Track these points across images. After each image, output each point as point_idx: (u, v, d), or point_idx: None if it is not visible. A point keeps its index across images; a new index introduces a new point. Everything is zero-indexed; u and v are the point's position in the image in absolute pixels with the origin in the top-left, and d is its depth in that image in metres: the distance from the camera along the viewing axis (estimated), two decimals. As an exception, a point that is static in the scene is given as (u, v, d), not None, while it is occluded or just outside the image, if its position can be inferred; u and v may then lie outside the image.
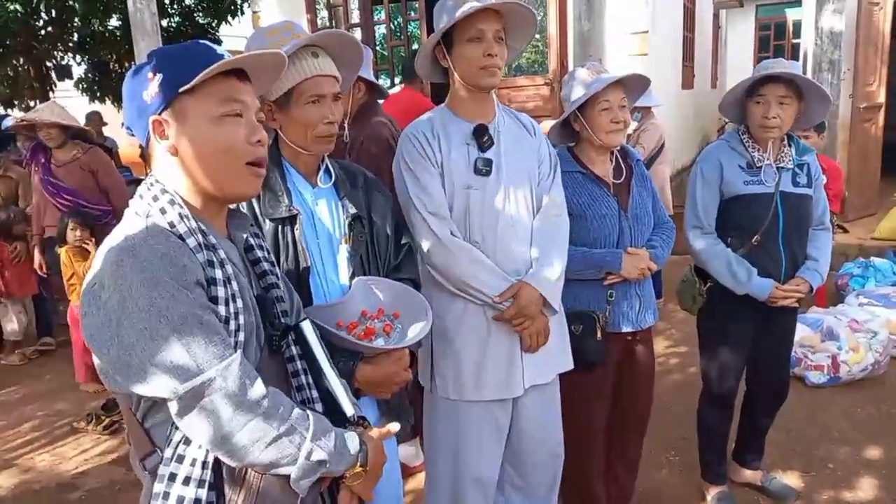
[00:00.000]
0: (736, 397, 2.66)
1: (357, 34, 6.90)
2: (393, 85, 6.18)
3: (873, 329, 3.80)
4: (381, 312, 1.60)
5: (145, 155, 1.22)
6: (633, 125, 4.95)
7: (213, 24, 8.68)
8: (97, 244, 3.96)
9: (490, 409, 2.00)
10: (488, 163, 1.93)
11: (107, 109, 8.89)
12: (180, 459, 1.08)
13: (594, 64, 2.36)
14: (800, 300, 2.48)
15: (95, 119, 7.84)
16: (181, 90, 1.12)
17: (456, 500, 2.06)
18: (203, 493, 1.08)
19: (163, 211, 1.12)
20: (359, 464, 1.19)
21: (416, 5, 6.58)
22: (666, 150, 5.08)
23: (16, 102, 8.82)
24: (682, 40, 8.48)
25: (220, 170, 1.16)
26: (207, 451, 1.08)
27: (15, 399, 4.31)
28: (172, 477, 1.08)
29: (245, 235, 1.30)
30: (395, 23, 7.71)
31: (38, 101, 8.34)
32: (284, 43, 1.54)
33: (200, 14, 8.64)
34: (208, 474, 1.09)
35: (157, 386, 1.03)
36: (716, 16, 11.79)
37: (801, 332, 3.84)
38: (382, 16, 7.59)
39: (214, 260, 1.12)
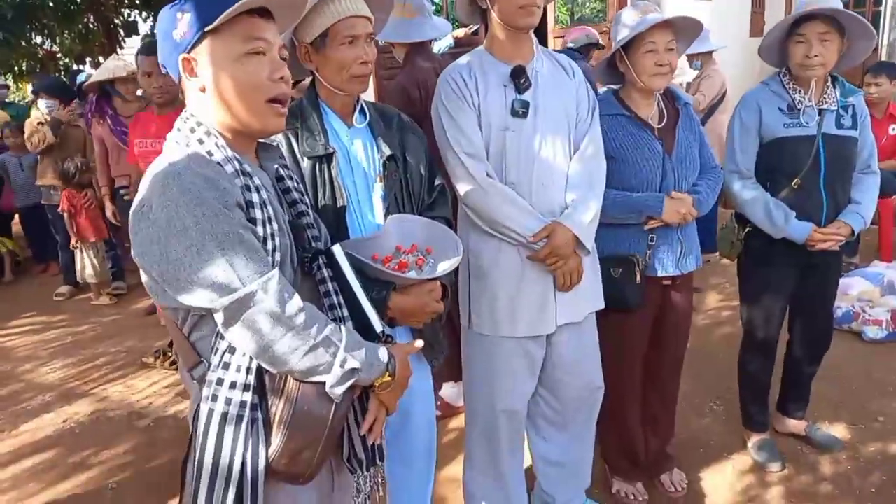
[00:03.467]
0: (777, 344, 2.62)
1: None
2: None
3: (938, 283, 3.64)
4: (415, 248, 1.66)
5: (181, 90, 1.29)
6: (692, 73, 4.78)
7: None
8: None
9: (524, 344, 2.05)
10: (525, 104, 1.93)
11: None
12: (226, 366, 1.18)
13: (644, 4, 2.29)
14: (845, 247, 2.42)
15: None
16: (206, 29, 1.18)
17: (490, 430, 2.14)
18: (248, 396, 1.18)
19: (200, 141, 1.20)
20: (387, 373, 1.26)
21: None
22: (728, 99, 4.90)
23: (87, 59, 9.16)
24: (752, -16, 8.08)
25: (244, 106, 1.22)
26: (251, 358, 1.18)
27: (90, 336, 4.63)
28: (220, 382, 1.18)
29: (275, 166, 1.37)
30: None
31: (106, 57, 8.66)
32: (320, -15, 1.58)
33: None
34: (252, 379, 1.18)
35: (203, 298, 1.12)
36: (792, -42, 11.12)
37: (861, 285, 3.74)
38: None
39: (250, 185, 1.20)
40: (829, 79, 2.37)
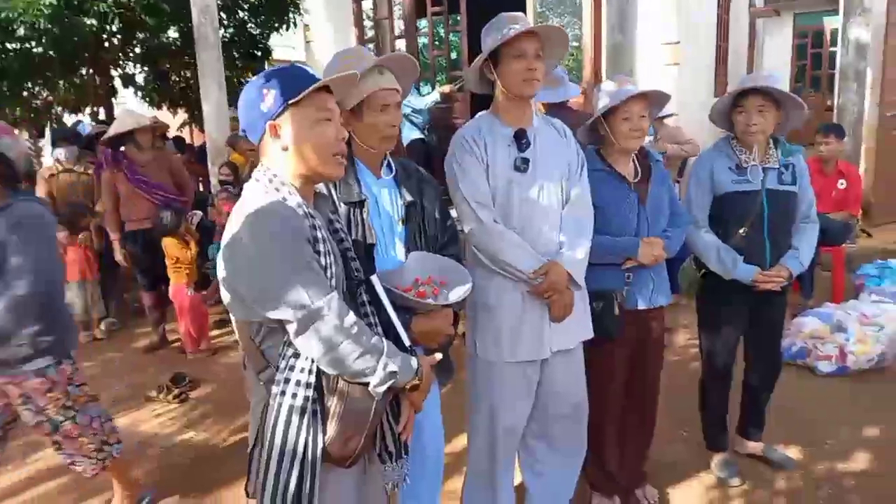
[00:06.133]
0: (732, 372, 2.97)
1: (401, 44, 7.31)
2: (432, 91, 6.58)
3: (881, 322, 4.05)
4: (431, 280, 1.98)
5: (257, 150, 1.61)
6: (649, 138, 5.31)
7: (265, 35, 9.17)
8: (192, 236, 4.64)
9: (523, 368, 2.35)
10: (526, 161, 2.28)
11: (163, 115, 9.45)
12: (292, 368, 1.49)
13: (622, 77, 2.70)
14: (785, 289, 2.79)
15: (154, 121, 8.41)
16: (290, 102, 1.52)
17: (491, 446, 2.42)
18: (310, 392, 1.48)
19: (277, 189, 1.53)
20: (416, 377, 1.57)
21: (459, 18, 6.94)
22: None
23: (82, 109, 9.42)
24: (716, 49, 8.71)
25: (319, 160, 1.56)
26: (311, 362, 1.48)
27: (94, 373, 4.78)
28: (287, 381, 1.49)
29: (327, 211, 1.70)
30: (438, 34, 8.12)
31: (102, 108, 8.95)
32: (355, 65, 1.92)
33: (253, 25, 9.13)
34: (312, 379, 1.49)
35: (282, 312, 1.44)
36: (752, 25, 11.94)
37: (813, 325, 4.13)
38: (425, 27, 7.99)
39: (315, 224, 1.53)
40: (772, 141, 2.79)
